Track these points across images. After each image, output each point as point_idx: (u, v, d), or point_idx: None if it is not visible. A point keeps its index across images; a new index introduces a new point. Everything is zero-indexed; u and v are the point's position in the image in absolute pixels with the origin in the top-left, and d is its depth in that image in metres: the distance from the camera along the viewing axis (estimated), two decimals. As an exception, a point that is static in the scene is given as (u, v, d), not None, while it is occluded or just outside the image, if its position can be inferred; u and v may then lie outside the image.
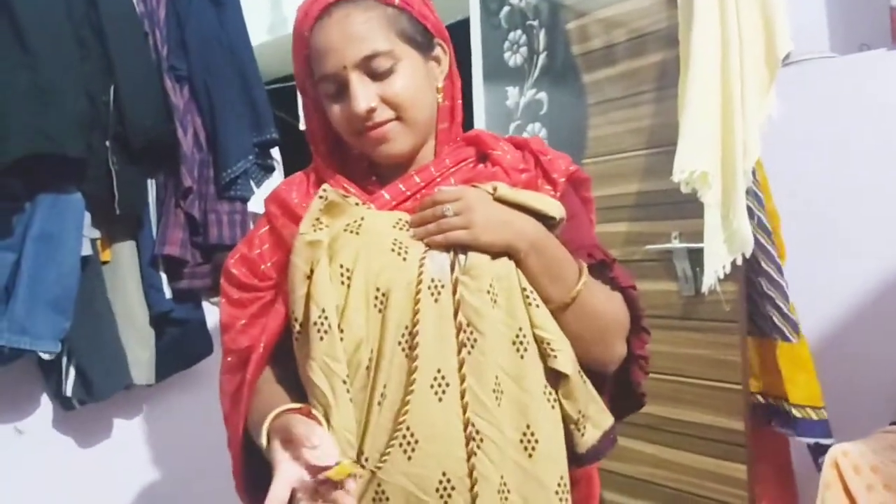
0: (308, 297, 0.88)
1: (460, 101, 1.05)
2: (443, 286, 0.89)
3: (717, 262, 1.71)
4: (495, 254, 0.91)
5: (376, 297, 0.88)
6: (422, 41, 0.96)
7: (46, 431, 1.82)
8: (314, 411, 0.85)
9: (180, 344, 1.87)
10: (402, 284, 0.88)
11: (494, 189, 0.93)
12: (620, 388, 1.06)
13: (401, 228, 0.93)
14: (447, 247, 0.90)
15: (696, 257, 1.86)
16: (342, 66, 0.91)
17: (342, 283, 0.88)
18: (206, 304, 1.96)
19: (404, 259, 0.89)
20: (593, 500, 1.09)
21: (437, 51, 0.99)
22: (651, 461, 2.00)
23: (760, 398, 1.82)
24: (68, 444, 1.85)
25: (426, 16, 0.97)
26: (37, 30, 1.56)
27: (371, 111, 0.92)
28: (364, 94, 0.92)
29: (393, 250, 0.90)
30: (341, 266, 0.89)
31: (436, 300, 0.88)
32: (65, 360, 1.71)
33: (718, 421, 1.85)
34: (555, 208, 0.94)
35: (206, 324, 1.93)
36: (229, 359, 1.00)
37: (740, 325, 1.80)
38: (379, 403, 0.86)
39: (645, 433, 1.98)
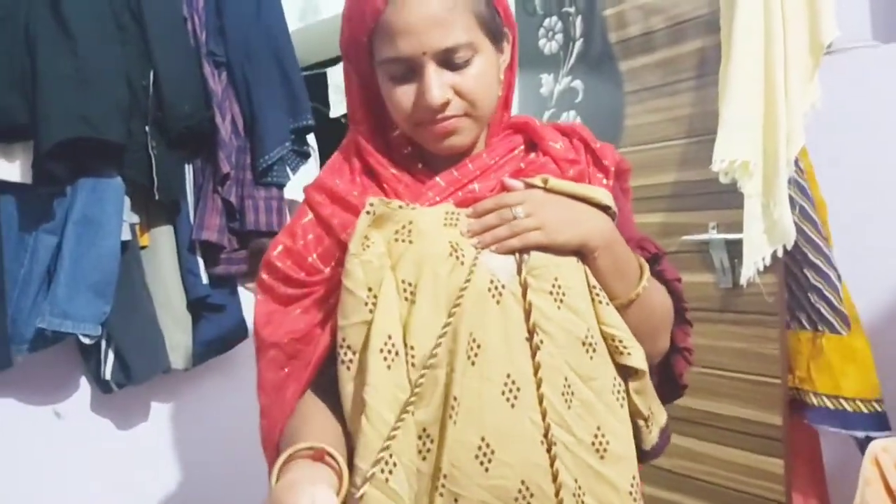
0: (369, 323, 0.83)
1: (513, 90, 1.02)
2: (503, 286, 0.85)
3: (757, 253, 1.69)
4: (559, 252, 0.88)
5: (452, 309, 0.84)
6: (495, 30, 0.92)
7: (85, 414, 1.84)
8: (330, 455, 0.79)
9: (216, 329, 1.88)
10: (467, 290, 0.84)
11: (545, 181, 0.90)
12: (661, 379, 1.05)
13: (450, 224, 0.89)
14: (518, 249, 0.87)
15: (733, 248, 1.84)
16: (421, 52, 0.85)
17: (406, 298, 0.84)
18: (241, 290, 1.97)
19: (462, 263, 0.85)
20: None
21: (505, 40, 0.95)
22: (686, 454, 1.98)
23: (814, 398, 1.78)
24: (106, 426, 1.87)
25: (500, 0, 0.94)
26: (78, 15, 1.56)
27: (445, 104, 0.88)
28: (439, 85, 0.86)
29: (451, 255, 0.85)
30: (403, 281, 0.84)
31: (497, 302, 0.85)
32: (104, 343, 1.72)
33: (755, 415, 1.84)
34: (607, 198, 0.93)
35: (242, 309, 1.94)
36: (272, 352, 0.93)
37: (779, 317, 1.78)
38: (452, 418, 0.82)
39: (680, 426, 1.96)
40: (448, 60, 0.87)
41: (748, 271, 1.70)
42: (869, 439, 1.66)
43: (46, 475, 1.77)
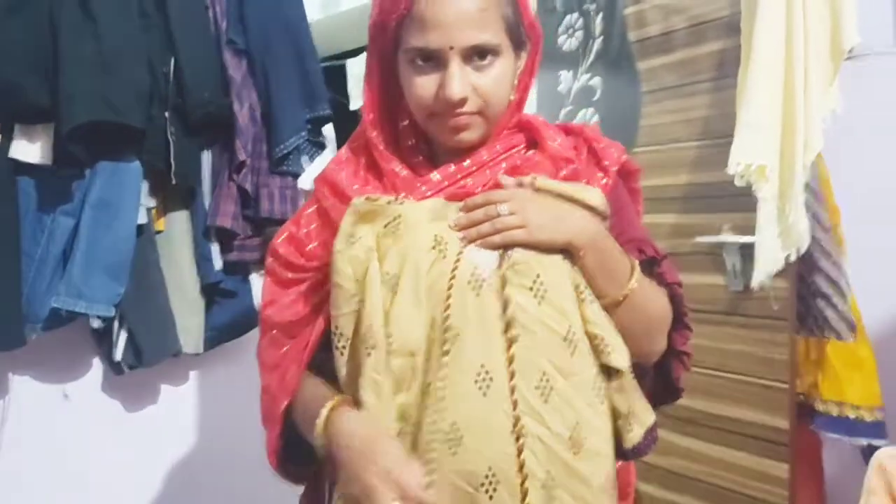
0: (358, 314, 0.88)
1: (528, 93, 1.03)
2: (484, 280, 0.87)
3: (770, 257, 1.68)
4: (544, 250, 0.90)
5: (446, 301, 0.87)
6: (518, 36, 0.94)
7: (95, 394, 1.87)
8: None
9: (228, 315, 1.90)
10: (444, 282, 0.87)
11: (533, 180, 0.92)
12: (658, 382, 1.06)
13: (438, 218, 0.91)
14: (500, 245, 0.89)
15: (746, 252, 1.83)
16: (449, 46, 0.88)
17: (390, 289, 0.88)
18: (254, 277, 1.99)
19: (444, 256, 0.88)
20: (629, 486, 1.09)
21: (523, 48, 0.97)
22: (687, 455, 1.99)
23: (821, 405, 1.77)
24: (116, 407, 1.90)
25: (526, 7, 0.95)
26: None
27: (464, 101, 0.90)
28: (461, 81, 0.89)
29: (433, 248, 0.89)
30: (387, 273, 0.88)
31: (477, 294, 0.87)
32: (116, 325, 1.74)
33: (760, 418, 1.83)
34: (596, 198, 0.93)
35: (254, 296, 1.96)
36: (273, 332, 1.00)
37: (789, 322, 1.77)
38: (426, 403, 0.86)
39: (682, 427, 1.97)
40: (472, 59, 0.89)
41: (760, 275, 1.69)
42: (871, 447, 1.66)
43: (55, 454, 1.79)
